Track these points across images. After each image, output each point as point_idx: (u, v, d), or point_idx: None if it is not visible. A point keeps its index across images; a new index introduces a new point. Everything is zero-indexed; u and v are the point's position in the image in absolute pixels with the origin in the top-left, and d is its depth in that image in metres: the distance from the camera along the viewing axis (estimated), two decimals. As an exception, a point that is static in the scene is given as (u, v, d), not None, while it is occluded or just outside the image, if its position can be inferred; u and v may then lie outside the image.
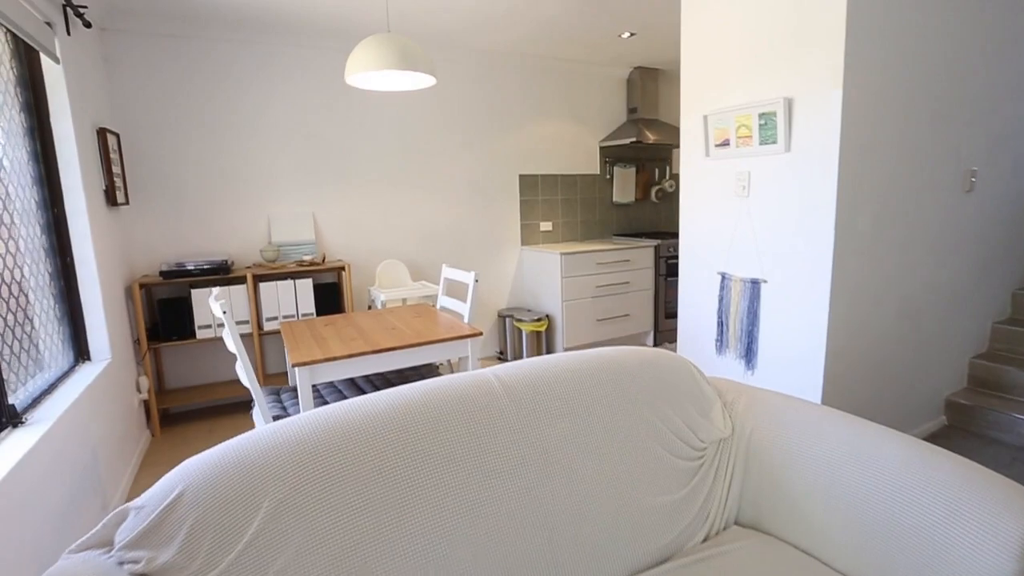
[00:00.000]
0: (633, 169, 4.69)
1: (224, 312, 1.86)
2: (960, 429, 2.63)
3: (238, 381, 3.38)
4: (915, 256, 2.34)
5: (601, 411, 1.27)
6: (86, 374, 2.31)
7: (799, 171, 2.09)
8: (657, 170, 4.89)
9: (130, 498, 2.42)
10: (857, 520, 1.13)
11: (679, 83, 4.80)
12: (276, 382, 3.36)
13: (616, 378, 1.34)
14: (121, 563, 0.85)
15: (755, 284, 2.30)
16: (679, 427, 1.35)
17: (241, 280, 3.13)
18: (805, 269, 2.11)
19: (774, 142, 2.15)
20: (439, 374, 2.43)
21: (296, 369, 1.86)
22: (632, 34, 3.55)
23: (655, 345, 4.34)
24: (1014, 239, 2.86)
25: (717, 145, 2.41)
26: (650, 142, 4.18)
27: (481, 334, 2.14)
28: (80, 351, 2.46)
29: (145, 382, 2.91)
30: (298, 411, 2.08)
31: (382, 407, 1.12)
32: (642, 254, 4.15)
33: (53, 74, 2.27)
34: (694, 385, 1.44)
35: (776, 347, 2.25)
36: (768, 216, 2.23)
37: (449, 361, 3.54)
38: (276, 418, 2.03)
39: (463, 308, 2.47)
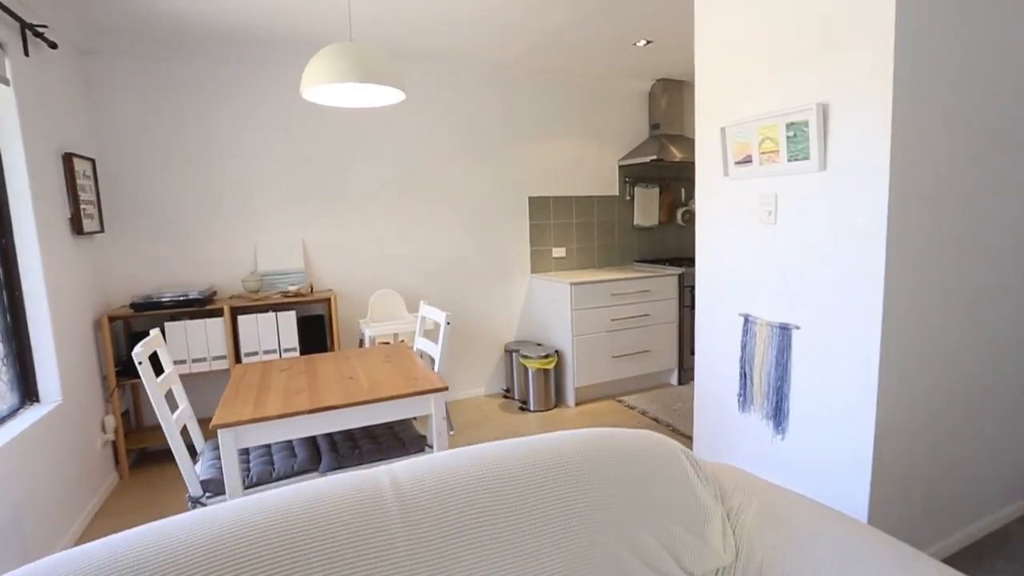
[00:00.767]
0: (656, 189, 4.30)
1: (140, 363, 1.60)
2: (1058, 513, 2.09)
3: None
4: (991, 302, 1.86)
5: (536, 537, 0.91)
6: (26, 419, 2.12)
7: (837, 193, 1.69)
8: (683, 190, 4.48)
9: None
10: None
11: (708, 96, 4.39)
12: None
13: (568, 484, 0.98)
14: None
15: (784, 330, 1.88)
16: (658, 557, 0.97)
17: (219, 313, 2.93)
18: (847, 315, 1.68)
19: (805, 158, 1.75)
20: (416, 431, 2.11)
21: (219, 431, 1.57)
22: (648, 42, 3.21)
23: (679, 384, 3.89)
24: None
25: (737, 163, 2.02)
26: (675, 160, 3.79)
27: (446, 388, 1.81)
28: (28, 392, 2.27)
29: (111, 422, 2.71)
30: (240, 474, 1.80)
31: (221, 523, 0.80)
32: (664, 283, 3.73)
33: (3, 97, 2.12)
34: (686, 489, 1.06)
35: (812, 407, 1.82)
36: (799, 248, 1.82)
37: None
38: (205, 483, 1.75)
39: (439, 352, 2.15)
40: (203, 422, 3.09)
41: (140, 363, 1.60)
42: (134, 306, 2.71)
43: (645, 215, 4.28)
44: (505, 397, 3.86)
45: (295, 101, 3.21)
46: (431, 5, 2.55)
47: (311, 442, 2.02)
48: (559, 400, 3.68)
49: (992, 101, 1.75)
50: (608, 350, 3.62)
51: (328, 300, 3.13)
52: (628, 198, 4.23)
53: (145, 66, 2.89)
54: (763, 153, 1.90)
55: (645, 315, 3.71)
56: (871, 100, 1.56)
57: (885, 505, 1.71)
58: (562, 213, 4.02)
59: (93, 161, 2.75)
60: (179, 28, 2.71)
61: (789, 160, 1.81)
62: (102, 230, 2.79)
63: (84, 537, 2.32)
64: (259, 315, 2.97)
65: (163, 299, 2.75)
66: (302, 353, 3.12)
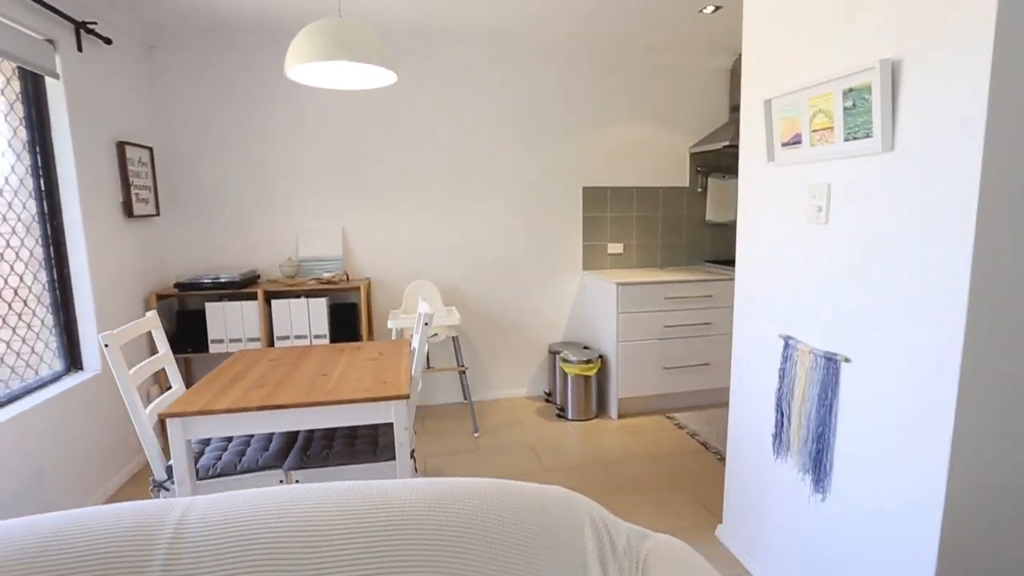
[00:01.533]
0: (734, 181, 3.75)
1: (106, 346, 1.61)
2: None
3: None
4: None
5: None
6: (65, 384, 2.29)
7: (906, 183, 1.24)
8: (772, 182, 3.87)
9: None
10: None
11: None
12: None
13: (400, 548, 0.75)
14: None
15: (831, 361, 1.45)
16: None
17: (255, 296, 3.01)
18: (914, 348, 1.23)
19: (867, 135, 1.31)
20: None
21: (167, 420, 1.53)
22: (717, 8, 2.74)
23: (748, 406, 3.37)
24: None
25: (784, 144, 1.60)
26: (754, 146, 3.25)
27: (407, 397, 1.63)
28: (73, 361, 2.46)
29: (156, 393, 2.90)
30: (210, 462, 1.77)
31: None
32: (730, 288, 3.24)
33: (54, 90, 2.29)
34: (571, 577, 0.78)
35: (861, 465, 1.38)
36: (854, 255, 1.38)
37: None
38: (170, 469, 1.74)
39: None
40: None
41: (106, 346, 1.60)
42: (178, 286, 2.86)
43: (719, 209, 3.76)
44: (547, 401, 3.61)
45: (339, 90, 3.19)
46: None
47: (290, 437, 1.95)
48: (600, 410, 3.36)
49: None
50: (659, 360, 3.22)
51: (359, 288, 3.09)
52: (700, 190, 3.74)
53: (202, 59, 3.02)
54: (815, 131, 1.47)
55: (706, 323, 3.25)
56: (961, 52, 1.10)
57: (956, 612, 1.25)
58: (621, 205, 3.65)
59: (151, 149, 2.93)
60: (232, 21, 2.78)
61: (846, 139, 1.37)
62: (157, 214, 2.98)
63: (120, 492, 2.48)
64: (292, 300, 3.01)
65: (204, 281, 2.87)
66: (332, 340, 3.13)
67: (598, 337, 3.43)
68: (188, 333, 2.99)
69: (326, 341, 3.08)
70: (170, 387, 2.56)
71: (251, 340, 3.00)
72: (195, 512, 0.79)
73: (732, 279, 3.24)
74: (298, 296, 3.08)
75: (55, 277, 2.37)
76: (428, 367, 3.26)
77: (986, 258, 1.11)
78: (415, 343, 2.22)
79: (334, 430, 1.99)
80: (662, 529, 2.14)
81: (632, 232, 3.69)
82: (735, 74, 3.62)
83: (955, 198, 1.13)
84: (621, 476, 2.56)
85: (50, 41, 2.24)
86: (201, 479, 1.73)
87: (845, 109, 1.36)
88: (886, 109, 1.25)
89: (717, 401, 3.44)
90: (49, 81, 2.29)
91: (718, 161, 3.73)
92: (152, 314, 1.96)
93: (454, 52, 3.28)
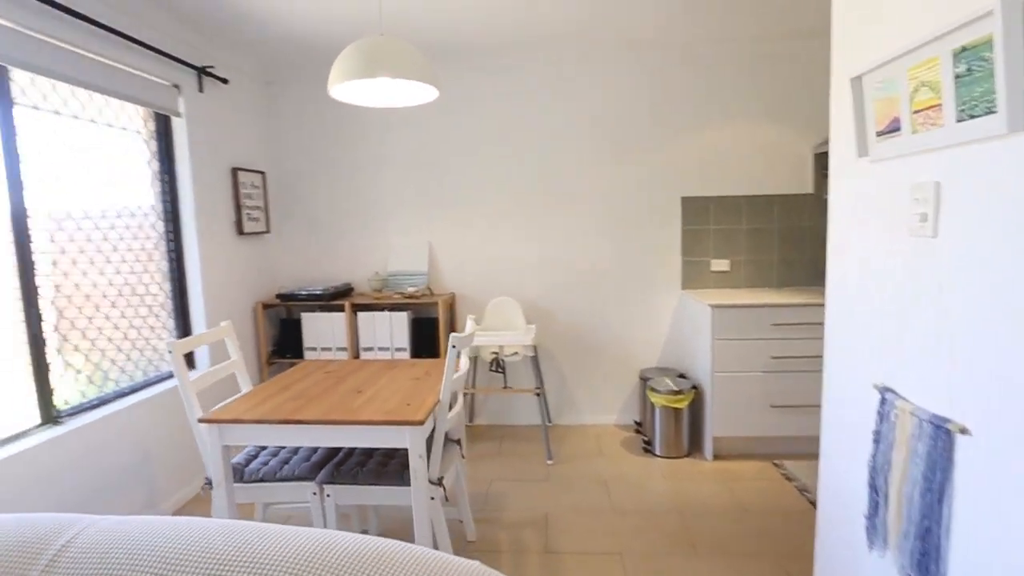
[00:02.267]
0: (876, 184, 3.10)
1: (170, 351, 1.76)
2: None
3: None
4: None
5: None
6: (174, 382, 2.61)
7: (1047, 178, 0.84)
8: (931, 184, 3.13)
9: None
10: None
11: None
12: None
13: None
14: None
15: (941, 431, 1.05)
16: None
17: (342, 308, 3.18)
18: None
19: (988, 110, 0.93)
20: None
21: (203, 426, 1.63)
22: (836, -24, 2.27)
23: (887, 461, 2.72)
24: None
25: (880, 133, 1.22)
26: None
27: (421, 423, 1.53)
28: (188, 360, 2.81)
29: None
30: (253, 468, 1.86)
31: None
32: (862, 316, 2.65)
33: (177, 126, 2.65)
34: None
35: (987, 574, 0.97)
36: (974, 282, 0.99)
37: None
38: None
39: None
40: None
41: (170, 352, 1.76)
42: (279, 297, 3.14)
43: (854, 219, 3.13)
44: (636, 432, 3.29)
45: (430, 106, 3.27)
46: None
47: (332, 450, 1.98)
48: (693, 448, 2.96)
49: None
50: (764, 396, 2.74)
51: (437, 303, 3.11)
52: (827, 197, 3.15)
53: (310, 91, 3.31)
54: (916, 112, 1.09)
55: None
56: None
57: None
58: (727, 216, 3.22)
59: (263, 173, 3.27)
60: (335, 57, 3.01)
61: (959, 119, 0.99)
62: (268, 231, 3.31)
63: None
64: (376, 313, 3.12)
65: (299, 293, 3.11)
66: (413, 355, 3.18)
67: (693, 365, 3.04)
68: (289, 340, 3.26)
69: (407, 355, 3.14)
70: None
71: (339, 349, 3.18)
72: (88, 535, 0.77)
73: (864, 304, 2.65)
74: (382, 309, 3.19)
75: (176, 287, 2.73)
76: (505, 387, 3.17)
77: None
78: (458, 364, 2.13)
79: (373, 448, 1.98)
80: (735, 606, 1.77)
81: (740, 247, 3.23)
82: (876, 56, 3.00)
83: None
84: (699, 530, 2.20)
85: (175, 86, 2.60)
86: (245, 482, 1.81)
87: (957, 77, 0.98)
88: (1015, 71, 0.87)
89: (843, 452, 2.82)
90: (174, 119, 2.65)
91: (853, 162, 3.11)
92: (226, 324, 2.14)
93: (535, 60, 3.19)
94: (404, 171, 3.34)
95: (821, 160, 3.13)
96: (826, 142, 3.04)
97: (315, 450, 1.97)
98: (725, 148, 3.18)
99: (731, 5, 2.56)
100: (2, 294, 1.88)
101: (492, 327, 3.24)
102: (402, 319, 3.11)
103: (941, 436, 1.05)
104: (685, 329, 3.21)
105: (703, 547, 2.08)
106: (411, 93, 1.91)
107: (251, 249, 3.18)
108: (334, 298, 3.13)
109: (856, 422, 1.36)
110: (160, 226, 2.64)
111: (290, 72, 3.26)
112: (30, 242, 1.96)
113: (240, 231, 3.02)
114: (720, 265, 3.25)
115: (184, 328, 2.76)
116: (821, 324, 2.69)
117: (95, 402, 2.21)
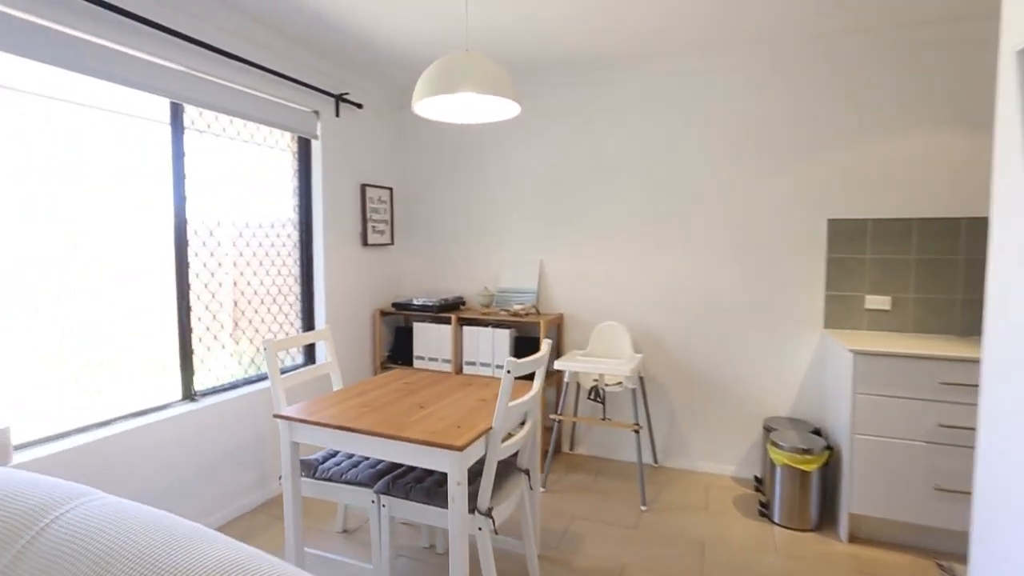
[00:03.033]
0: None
1: (264, 349, 1.95)
2: None
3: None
4: None
5: None
6: (304, 376, 2.91)
7: None
8: None
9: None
10: None
11: None
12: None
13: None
14: None
15: None
16: None
17: (449, 321, 3.26)
18: None
19: None
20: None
21: (278, 420, 1.76)
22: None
23: None
24: None
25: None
26: None
27: (460, 449, 1.46)
28: (311, 358, 3.11)
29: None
30: (332, 467, 1.97)
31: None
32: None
33: (315, 146, 2.98)
34: None
35: None
36: None
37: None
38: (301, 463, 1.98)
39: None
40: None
41: (264, 349, 1.95)
42: (394, 305, 3.34)
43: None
44: (756, 490, 2.84)
45: (548, 124, 3.25)
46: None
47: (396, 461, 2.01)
48: (824, 522, 2.44)
49: None
50: (927, 473, 2.16)
51: (539, 324, 3.04)
52: (1044, 222, 2.40)
53: (437, 111, 3.51)
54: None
55: None
56: None
57: None
58: (888, 243, 2.64)
59: (391, 189, 3.53)
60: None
61: None
62: (392, 243, 3.55)
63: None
64: (480, 328, 3.15)
65: (412, 303, 3.27)
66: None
67: (832, 421, 2.53)
68: (402, 347, 3.45)
69: (505, 372, 3.11)
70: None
71: (444, 360, 3.26)
72: (64, 525, 0.84)
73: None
74: (487, 325, 3.21)
75: (304, 291, 3.05)
76: (603, 418, 2.95)
77: None
78: (529, 388, 2.03)
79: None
80: None
81: (908, 282, 2.62)
82: None
83: None
84: (809, 630, 1.78)
85: (315, 112, 2.93)
86: (317, 478, 1.92)
87: None
88: None
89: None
90: (313, 142, 2.99)
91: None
92: (324, 327, 2.31)
93: (656, 73, 2.97)
94: (522, 188, 3.34)
95: (1034, 175, 2.41)
96: (1041, 151, 2.33)
97: (377, 460, 2.02)
98: (883, 159, 2.62)
99: (896, -12, 2.11)
100: (164, 290, 2.26)
101: (596, 353, 3.06)
102: (504, 336, 3.10)
103: None
104: (825, 377, 2.69)
105: (808, 652, 1.68)
106: (493, 109, 1.89)
107: (374, 259, 3.44)
108: (443, 310, 3.23)
109: (1018, 487, 0.96)
110: (295, 235, 2.99)
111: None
112: (187, 246, 2.34)
113: (365, 242, 3.29)
114: (877, 303, 2.67)
115: (308, 328, 3.07)
116: (1017, 389, 2.04)
117: (226, 386, 2.55)
